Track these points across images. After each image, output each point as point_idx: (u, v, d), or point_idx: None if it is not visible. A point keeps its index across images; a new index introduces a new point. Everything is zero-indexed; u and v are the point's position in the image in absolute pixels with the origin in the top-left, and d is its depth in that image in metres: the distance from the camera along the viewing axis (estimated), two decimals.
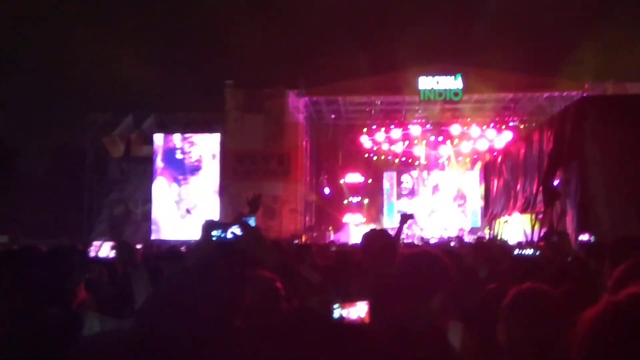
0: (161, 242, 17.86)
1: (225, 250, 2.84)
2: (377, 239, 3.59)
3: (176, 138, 24.53)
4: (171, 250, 5.26)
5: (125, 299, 2.70)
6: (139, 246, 11.69)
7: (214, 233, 2.81)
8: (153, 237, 22.67)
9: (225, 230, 2.80)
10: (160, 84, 25.10)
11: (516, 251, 6.90)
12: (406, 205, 26.26)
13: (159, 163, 24.29)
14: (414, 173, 27.26)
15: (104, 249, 2.77)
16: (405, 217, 5.16)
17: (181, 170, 24.30)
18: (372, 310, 2.21)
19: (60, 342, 2.14)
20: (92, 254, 2.78)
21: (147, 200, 24.39)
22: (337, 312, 2.22)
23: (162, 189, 24.16)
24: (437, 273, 2.42)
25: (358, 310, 2.22)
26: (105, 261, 2.80)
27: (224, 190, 23.22)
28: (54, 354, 2.15)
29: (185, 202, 23.97)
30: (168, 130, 24.99)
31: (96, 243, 2.79)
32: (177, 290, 2.59)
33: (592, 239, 7.17)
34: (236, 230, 2.80)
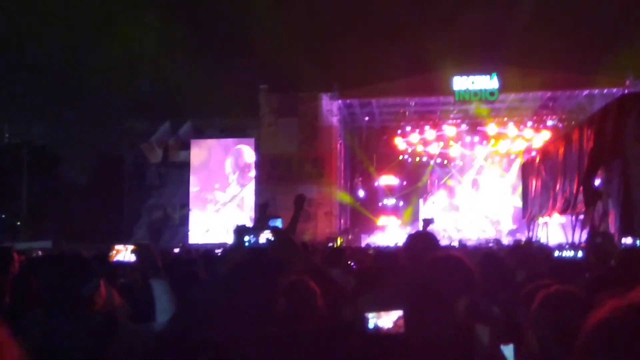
0: (199, 247, 18.11)
1: (258, 256, 2.85)
2: (422, 241, 3.52)
3: (213, 143, 24.86)
4: (206, 255, 5.31)
5: (146, 304, 2.71)
6: (176, 250, 11.89)
7: (246, 238, 2.82)
8: (191, 241, 23.00)
9: (257, 235, 2.81)
10: (195, 90, 25.49)
11: (556, 253, 6.74)
12: (432, 211, 25.94)
13: (196, 168, 24.65)
14: (450, 175, 26.93)
15: (126, 253, 2.79)
16: (427, 222, 5.22)
17: (218, 174, 24.59)
18: (406, 319, 2.16)
19: (70, 348, 2.16)
20: (114, 258, 2.79)
21: (185, 204, 24.78)
22: (372, 322, 2.17)
23: (199, 194, 24.50)
24: (459, 277, 2.38)
25: (393, 319, 2.17)
26: (126, 265, 2.81)
27: (259, 194, 23.40)
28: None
29: (222, 206, 24.26)
30: (204, 136, 25.36)
31: (118, 247, 2.80)
32: (210, 295, 2.61)
33: (638, 242, 6.91)
34: (268, 235, 2.81)
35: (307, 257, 3.32)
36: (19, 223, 26.51)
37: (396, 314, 2.17)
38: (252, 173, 24.46)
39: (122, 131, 26.51)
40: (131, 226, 25.42)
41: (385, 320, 2.17)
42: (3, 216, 27.29)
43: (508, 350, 2.59)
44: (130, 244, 2.84)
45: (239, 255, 2.72)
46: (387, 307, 2.20)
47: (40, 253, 8.82)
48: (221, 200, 24.44)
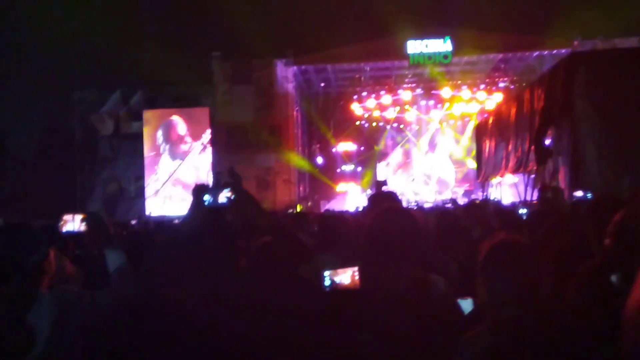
0: (156, 219, 17.85)
1: (217, 215, 2.79)
2: (384, 200, 3.53)
3: (165, 113, 24.31)
4: (162, 224, 5.23)
5: (99, 272, 2.67)
6: (133, 222, 11.68)
7: (206, 197, 2.76)
8: (147, 213, 22.65)
9: (217, 195, 2.75)
10: (146, 59, 24.70)
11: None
12: (387, 174, 26.30)
13: (149, 139, 24.11)
14: (406, 138, 27.24)
15: (75, 222, 2.71)
16: (380, 184, 5.23)
17: (171, 145, 24.14)
18: (362, 275, 2.20)
19: (9, 319, 2.12)
20: (63, 228, 2.71)
21: (140, 177, 24.30)
22: (328, 279, 2.21)
23: (153, 166, 24.05)
24: (406, 227, 2.41)
25: (349, 276, 2.21)
26: (76, 235, 2.74)
27: (216, 164, 23.14)
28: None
29: (178, 177, 23.90)
30: (156, 106, 24.75)
31: (67, 217, 2.72)
32: (170, 257, 2.56)
33: (589, 195, 7.15)
34: (228, 194, 2.75)
35: (270, 216, 3.30)
36: None
37: (351, 270, 2.21)
38: (186, 146, 24.03)
39: (71, 103, 25.58)
40: (85, 200, 24.80)
41: (342, 277, 2.21)
42: None
43: (466, 304, 2.66)
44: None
45: (197, 215, 2.66)
46: (344, 264, 2.24)
47: None
48: (178, 171, 24.06)
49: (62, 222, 2.73)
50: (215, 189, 2.82)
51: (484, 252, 2.06)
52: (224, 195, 2.79)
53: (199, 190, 2.82)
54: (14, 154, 28.16)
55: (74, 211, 2.77)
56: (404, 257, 2.36)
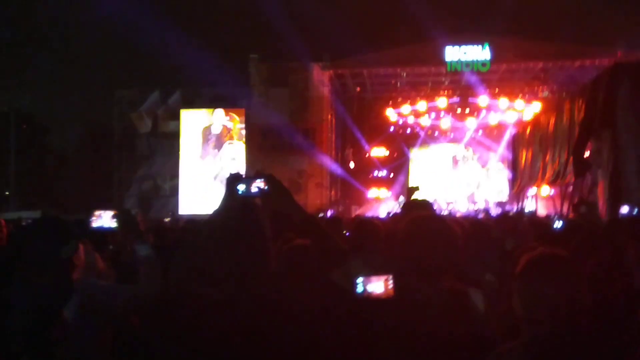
0: (187, 217, 18.10)
1: (251, 204, 2.79)
2: (418, 209, 3.44)
3: (202, 113, 24.64)
4: (190, 222, 5.28)
5: (130, 267, 2.71)
6: (166, 220, 11.88)
7: (239, 187, 2.75)
8: (181, 212, 22.98)
9: (250, 184, 2.74)
10: (185, 60, 25.15)
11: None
12: (420, 181, 25.99)
13: (186, 138, 24.46)
14: (441, 146, 26.96)
15: (105, 219, 2.75)
16: (412, 190, 5.13)
17: (208, 145, 24.44)
18: (396, 283, 2.13)
19: (49, 311, 2.17)
20: (93, 223, 2.76)
21: (175, 175, 24.69)
22: (361, 286, 2.13)
23: (189, 164, 24.38)
24: (442, 237, 2.33)
25: (382, 283, 2.13)
26: (107, 231, 2.78)
27: (249, 165, 23.33)
28: (42, 323, 2.17)
29: (213, 177, 24.16)
30: (194, 106, 25.13)
31: (97, 212, 2.77)
32: (200, 253, 2.57)
33: (636, 211, 6.84)
34: (261, 183, 2.74)
35: (303, 210, 3.27)
36: (7, 193, 26.32)
37: (385, 278, 2.13)
38: (223, 144, 24.26)
39: (111, 100, 26.20)
40: (121, 196, 25.33)
41: (375, 284, 2.13)
42: None
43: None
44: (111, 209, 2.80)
45: (230, 205, 2.65)
46: (377, 271, 2.17)
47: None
48: (213, 171, 24.33)
49: (93, 218, 2.79)
50: (249, 179, 2.80)
51: (522, 264, 2.00)
52: (257, 185, 2.76)
53: (232, 179, 2.81)
54: (54, 150, 28.97)
55: (105, 207, 2.83)
56: (440, 267, 2.30)
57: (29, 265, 2.43)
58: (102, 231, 2.74)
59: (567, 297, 1.88)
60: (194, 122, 24.57)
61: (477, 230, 4.69)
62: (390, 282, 2.12)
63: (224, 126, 24.44)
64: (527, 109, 23.56)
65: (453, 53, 21.60)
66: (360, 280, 2.13)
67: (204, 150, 24.49)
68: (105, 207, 2.79)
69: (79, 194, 24.73)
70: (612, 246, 3.66)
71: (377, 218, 10.63)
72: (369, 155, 26.67)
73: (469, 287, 2.39)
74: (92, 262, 2.71)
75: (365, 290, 2.13)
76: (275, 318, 2.21)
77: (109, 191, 25.74)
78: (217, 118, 24.51)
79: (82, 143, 29.37)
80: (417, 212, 3.26)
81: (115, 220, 2.74)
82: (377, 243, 3.58)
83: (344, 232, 6.04)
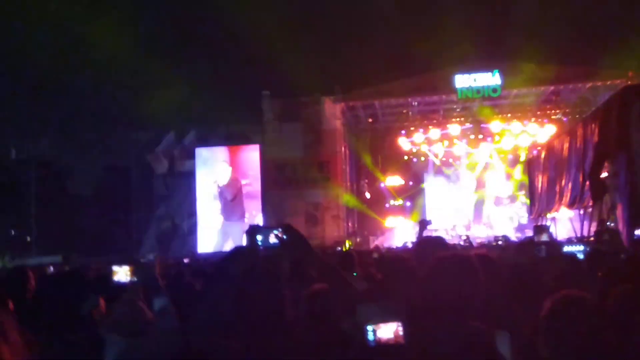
0: (208, 256, 18.14)
1: (271, 259, 2.85)
2: (433, 248, 3.40)
3: (217, 151, 24.88)
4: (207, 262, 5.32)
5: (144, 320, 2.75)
6: (186, 260, 11.92)
7: (259, 238, 2.82)
8: (200, 250, 23.03)
9: (268, 235, 2.81)
10: (198, 99, 25.59)
11: (566, 248, 6.72)
12: (437, 209, 25.75)
13: (202, 177, 24.66)
14: (456, 172, 26.88)
15: (121, 274, 2.82)
16: (424, 224, 5.08)
17: (224, 182, 24.59)
18: (406, 329, 2.09)
19: None
20: (114, 278, 2.83)
21: (192, 213, 24.82)
22: (371, 334, 2.11)
23: (206, 202, 24.50)
24: (467, 278, 2.29)
25: (392, 330, 2.10)
26: (124, 286, 2.83)
27: (266, 200, 23.43)
28: None
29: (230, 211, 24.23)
30: (209, 144, 25.42)
31: (115, 268, 2.84)
32: (217, 305, 2.62)
33: None
34: (279, 234, 2.80)
35: (320, 257, 3.32)
36: (28, 238, 26.67)
37: (395, 325, 2.11)
38: (238, 184, 24.25)
39: (128, 142, 26.66)
40: (140, 237, 25.51)
41: (385, 331, 2.11)
42: (13, 232, 27.47)
43: None
44: (140, 254, 2.88)
45: (251, 257, 2.72)
46: (386, 317, 2.14)
47: (52, 269, 8.89)
48: (230, 207, 24.39)
49: (113, 273, 2.86)
50: (267, 229, 2.88)
51: (546, 308, 2.02)
52: (275, 235, 2.84)
53: (252, 231, 2.89)
54: (73, 192, 29.40)
55: (122, 262, 2.89)
56: (463, 307, 2.25)
57: (53, 320, 2.50)
58: (122, 286, 2.81)
59: (592, 340, 1.90)
60: (209, 159, 24.75)
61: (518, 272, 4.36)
62: (400, 328, 2.10)
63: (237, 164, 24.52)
64: (541, 133, 23.51)
65: (463, 80, 21.78)
66: (370, 328, 2.12)
67: (220, 189, 24.62)
68: (124, 262, 2.86)
69: (98, 237, 24.96)
70: (636, 274, 3.63)
71: (402, 250, 10.51)
72: (384, 185, 26.69)
73: (497, 329, 2.31)
74: (135, 316, 2.74)
75: (375, 337, 2.11)
76: None
77: (128, 232, 25.96)
78: (230, 156, 24.64)
79: (100, 186, 29.79)
80: (435, 249, 3.24)
81: (134, 274, 2.82)
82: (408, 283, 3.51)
83: (354, 273, 5.96)
